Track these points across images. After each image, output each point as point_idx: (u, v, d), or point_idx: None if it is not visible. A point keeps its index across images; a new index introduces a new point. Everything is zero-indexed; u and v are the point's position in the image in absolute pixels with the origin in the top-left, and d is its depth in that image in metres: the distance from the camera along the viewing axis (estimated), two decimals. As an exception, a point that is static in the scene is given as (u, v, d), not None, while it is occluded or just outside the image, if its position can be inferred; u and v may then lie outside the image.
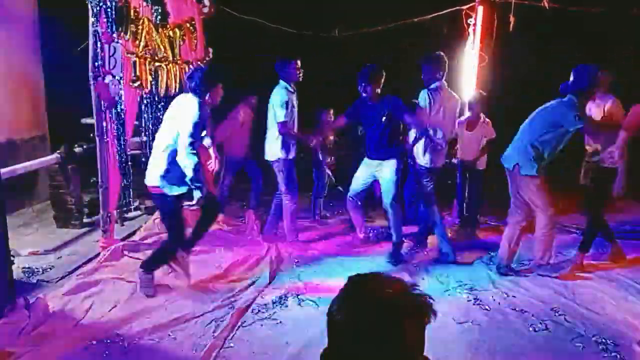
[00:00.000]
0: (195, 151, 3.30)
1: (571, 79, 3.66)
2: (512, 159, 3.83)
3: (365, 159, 4.42)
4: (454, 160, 5.01)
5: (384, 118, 4.17)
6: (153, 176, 3.42)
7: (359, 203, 4.57)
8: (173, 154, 3.34)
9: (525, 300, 3.57)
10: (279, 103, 4.39)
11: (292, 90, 4.53)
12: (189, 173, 3.28)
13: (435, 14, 5.75)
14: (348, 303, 1.01)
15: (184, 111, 3.36)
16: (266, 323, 3.27)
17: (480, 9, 5.33)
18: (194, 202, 3.39)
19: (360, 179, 4.45)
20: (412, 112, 4.20)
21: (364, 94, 4.21)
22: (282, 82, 4.52)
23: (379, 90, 4.18)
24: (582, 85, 3.60)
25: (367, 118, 4.30)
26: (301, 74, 4.54)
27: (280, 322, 3.28)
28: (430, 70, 4.21)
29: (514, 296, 3.65)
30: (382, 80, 4.19)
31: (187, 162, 3.27)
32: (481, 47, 5.32)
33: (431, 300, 1.00)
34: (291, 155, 4.61)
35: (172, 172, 3.35)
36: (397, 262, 4.24)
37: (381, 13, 5.99)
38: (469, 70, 5.42)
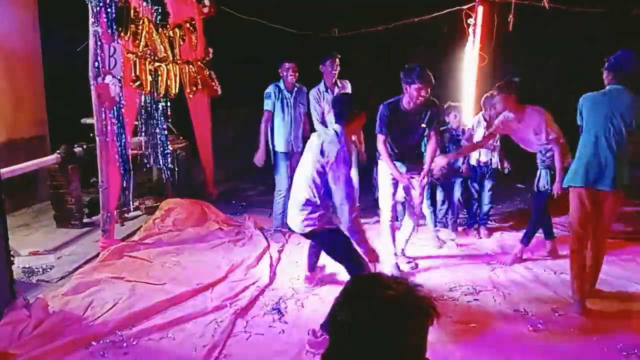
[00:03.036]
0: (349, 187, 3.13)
1: (616, 65, 3.27)
2: None
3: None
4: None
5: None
6: (297, 223, 3.26)
7: None
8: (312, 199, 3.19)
9: (525, 300, 3.57)
10: (264, 95, 4.84)
11: (282, 88, 4.82)
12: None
13: (435, 14, 5.74)
14: (350, 304, 1.00)
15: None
16: (266, 323, 3.26)
17: (480, 9, 5.33)
18: None
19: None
20: None
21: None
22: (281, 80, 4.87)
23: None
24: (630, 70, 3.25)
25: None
26: (289, 76, 4.78)
27: (280, 322, 3.28)
28: None
29: (514, 296, 3.65)
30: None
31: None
32: (481, 47, 5.32)
33: (434, 302, 1.00)
34: (279, 148, 4.84)
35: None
36: None
37: (381, 13, 5.98)
38: (469, 70, 5.42)
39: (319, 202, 3.09)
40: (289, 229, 3.41)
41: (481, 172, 4.88)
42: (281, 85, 4.84)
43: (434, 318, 0.98)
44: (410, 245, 4.39)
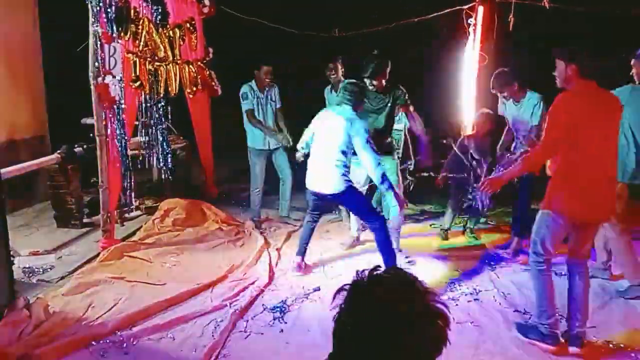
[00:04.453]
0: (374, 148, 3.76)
1: None
2: None
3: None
4: None
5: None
6: (333, 184, 3.81)
7: None
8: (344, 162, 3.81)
9: (526, 300, 3.57)
10: (240, 96, 5.08)
11: (255, 89, 5.07)
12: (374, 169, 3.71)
13: (436, 14, 5.74)
14: (351, 304, 0.99)
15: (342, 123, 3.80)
16: (266, 323, 3.27)
17: (480, 9, 5.32)
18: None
19: None
20: None
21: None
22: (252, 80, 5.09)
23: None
24: None
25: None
26: (267, 79, 5.02)
27: (281, 322, 3.28)
28: None
29: (515, 296, 3.64)
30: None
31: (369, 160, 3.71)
32: (481, 47, 5.31)
33: (445, 308, 0.97)
34: (257, 146, 5.07)
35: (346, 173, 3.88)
36: None
37: (381, 13, 5.98)
38: (469, 70, 5.41)
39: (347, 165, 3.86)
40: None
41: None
42: (254, 85, 5.05)
43: (444, 323, 0.96)
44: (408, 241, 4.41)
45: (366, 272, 1.03)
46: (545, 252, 2.97)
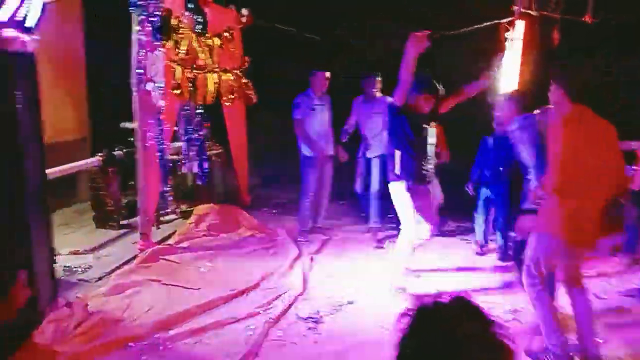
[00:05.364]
0: None
1: None
2: None
3: None
4: None
5: None
6: None
7: None
8: None
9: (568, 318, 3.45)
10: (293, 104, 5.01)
11: (312, 96, 5.00)
12: None
13: (473, 27, 5.68)
14: (418, 331, 0.99)
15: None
16: (299, 333, 3.26)
17: (520, 23, 5.24)
18: None
19: None
20: None
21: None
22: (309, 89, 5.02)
23: None
24: None
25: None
26: (325, 84, 4.99)
27: (314, 332, 3.27)
28: None
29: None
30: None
31: None
32: (522, 62, 5.22)
33: (511, 344, 0.96)
34: (308, 153, 5.00)
35: None
36: None
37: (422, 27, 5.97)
38: (509, 85, 5.32)
39: None
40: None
41: None
42: (310, 93, 5.03)
43: (506, 355, 0.95)
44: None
45: (428, 299, 1.03)
46: (539, 273, 2.97)
